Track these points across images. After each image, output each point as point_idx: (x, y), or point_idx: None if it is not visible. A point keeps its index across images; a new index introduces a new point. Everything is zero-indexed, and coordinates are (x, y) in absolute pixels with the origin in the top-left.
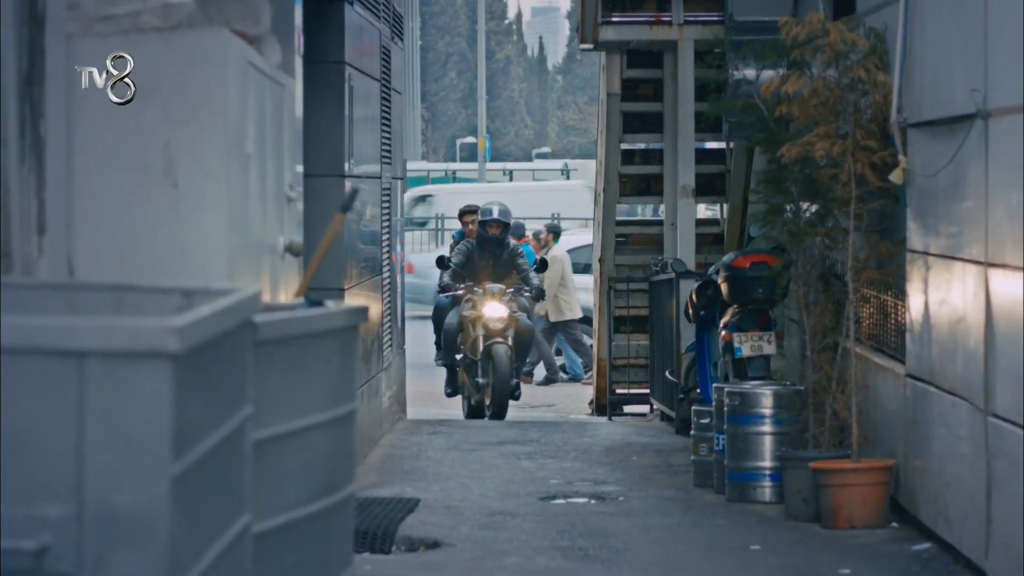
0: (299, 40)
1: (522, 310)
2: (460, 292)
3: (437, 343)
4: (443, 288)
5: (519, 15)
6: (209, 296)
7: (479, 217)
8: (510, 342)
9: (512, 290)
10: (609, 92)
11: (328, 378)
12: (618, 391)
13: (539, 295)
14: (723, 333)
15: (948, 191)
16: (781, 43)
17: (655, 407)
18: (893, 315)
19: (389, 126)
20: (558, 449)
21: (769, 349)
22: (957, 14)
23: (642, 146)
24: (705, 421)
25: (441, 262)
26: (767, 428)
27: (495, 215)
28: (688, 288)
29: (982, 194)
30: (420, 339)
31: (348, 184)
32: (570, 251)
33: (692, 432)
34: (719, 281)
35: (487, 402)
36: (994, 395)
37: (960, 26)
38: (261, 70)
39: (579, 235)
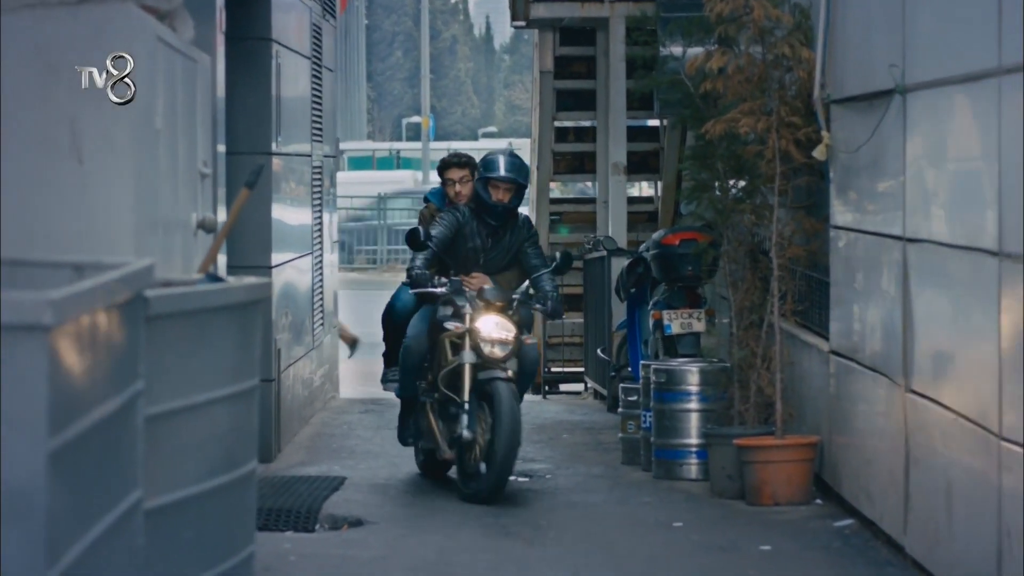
0: (221, 17)
1: (523, 327)
2: (438, 291)
3: (387, 356)
4: (413, 280)
5: None
6: (101, 270)
7: (479, 172)
8: (512, 376)
9: (518, 296)
10: (542, 70)
11: (227, 354)
12: (553, 370)
13: (555, 312)
14: (653, 311)
15: (869, 167)
16: (707, 20)
17: (589, 385)
18: (818, 292)
19: (320, 104)
20: None
21: (699, 326)
22: None
23: (576, 124)
24: (633, 399)
25: (414, 239)
26: (693, 405)
27: (505, 171)
28: (620, 266)
29: (900, 170)
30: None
31: (277, 162)
32: None
33: (620, 410)
34: (649, 259)
35: (474, 462)
36: (912, 371)
37: (880, 2)
38: (172, 46)
39: None
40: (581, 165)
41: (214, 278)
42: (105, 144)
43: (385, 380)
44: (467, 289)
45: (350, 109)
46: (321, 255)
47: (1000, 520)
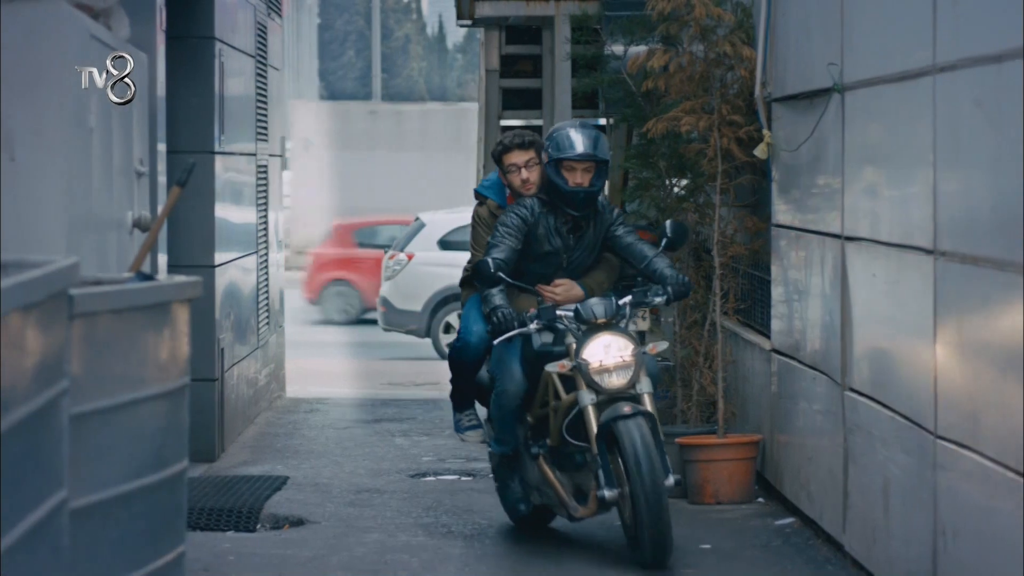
0: (161, 15)
1: (642, 335)
2: (530, 330)
3: (456, 398)
4: (496, 326)
5: None
6: (23, 268)
7: (547, 153)
8: (648, 405)
9: (630, 298)
10: (487, 68)
11: (156, 352)
12: None
13: (681, 294)
14: None
15: (809, 165)
16: (648, 18)
17: None
18: (760, 290)
19: (266, 103)
20: (434, 427)
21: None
22: None
23: (522, 123)
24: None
25: (486, 272)
26: None
27: (582, 147)
28: None
29: (839, 168)
30: (302, 314)
31: (220, 161)
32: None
33: None
34: None
35: (629, 520)
36: (850, 369)
37: (819, 1)
38: (106, 43)
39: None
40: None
41: (144, 276)
42: (37, 142)
43: (461, 428)
44: (562, 313)
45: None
46: (267, 254)
47: (936, 518)
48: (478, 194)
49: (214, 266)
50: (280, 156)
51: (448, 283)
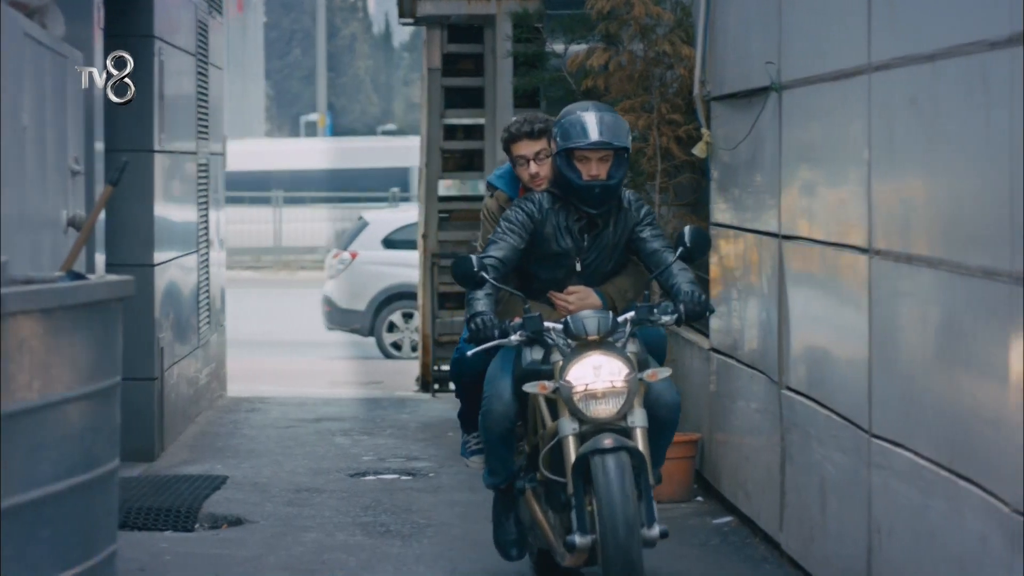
0: (99, 13)
1: (643, 358)
2: (511, 341)
3: (464, 418)
4: (472, 332)
5: None
6: None
7: (556, 142)
8: (639, 441)
9: (632, 314)
10: (430, 67)
11: (87, 351)
12: (443, 368)
13: (694, 315)
14: None
15: (747, 164)
16: (588, 16)
17: None
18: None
19: (207, 102)
20: (375, 426)
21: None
22: None
23: (467, 121)
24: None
25: (465, 273)
26: None
27: (596, 133)
28: None
29: (776, 167)
30: (244, 313)
31: (160, 160)
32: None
33: None
34: None
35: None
36: (787, 368)
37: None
38: (40, 42)
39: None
40: (470, 163)
41: (76, 275)
42: None
43: (467, 452)
44: (551, 326)
45: (248, 107)
46: (207, 253)
47: (870, 516)
48: (489, 184)
49: (153, 265)
50: (222, 155)
51: (392, 282)
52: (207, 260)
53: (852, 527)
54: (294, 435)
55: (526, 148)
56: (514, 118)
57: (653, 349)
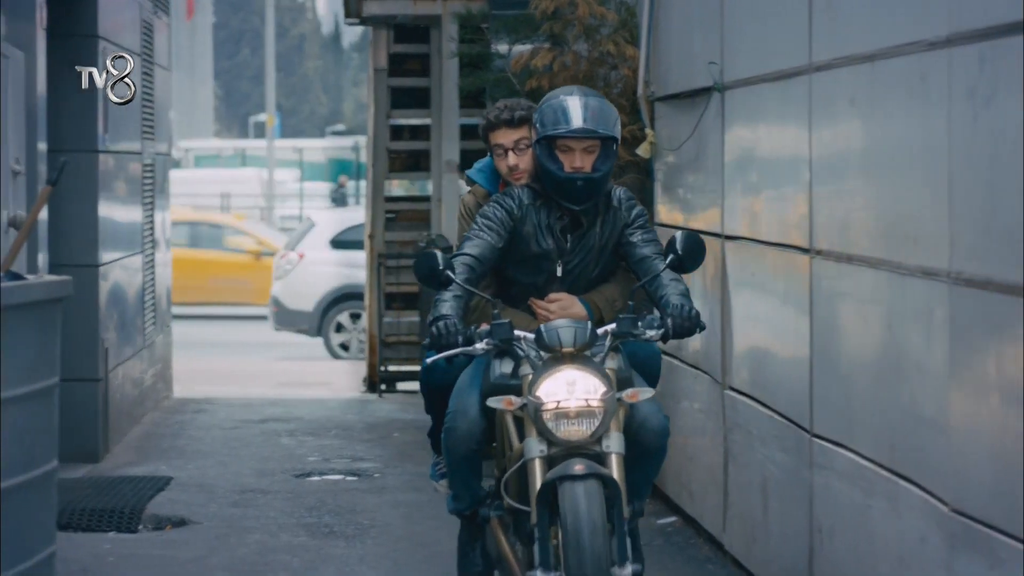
0: (42, 13)
1: (625, 375)
2: (475, 349)
3: (434, 437)
4: (432, 337)
5: None
6: None
7: (536, 129)
8: (614, 469)
9: (613, 326)
10: (376, 68)
11: (25, 352)
12: (390, 368)
13: (682, 331)
14: None
15: (690, 165)
16: (532, 17)
17: None
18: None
19: (152, 102)
20: (321, 426)
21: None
22: None
23: (413, 121)
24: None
25: (428, 271)
26: None
27: (579, 120)
28: None
29: (719, 167)
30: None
31: (104, 160)
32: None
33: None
34: None
35: None
36: (730, 368)
37: (700, 0)
38: None
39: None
40: (417, 163)
41: (14, 276)
42: None
43: (436, 474)
44: (522, 335)
45: (197, 107)
46: (153, 254)
47: (812, 517)
48: (469, 179)
49: (98, 265)
50: (168, 155)
51: (340, 283)
52: (152, 260)
53: (794, 527)
54: (240, 436)
55: (504, 136)
56: (496, 104)
57: (643, 367)
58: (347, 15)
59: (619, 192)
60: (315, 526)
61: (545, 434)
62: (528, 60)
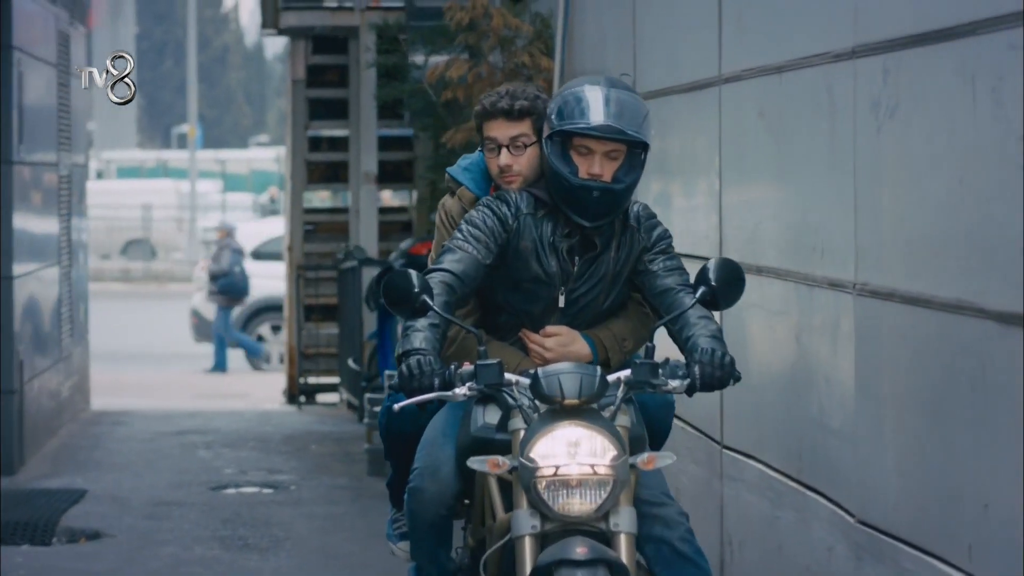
0: None
1: (639, 436)
2: (456, 394)
3: (394, 489)
4: (401, 378)
5: (237, 5)
6: None
7: (549, 123)
8: (623, 552)
9: (627, 373)
10: (294, 79)
11: None
12: (309, 380)
13: (712, 383)
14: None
15: None
16: (447, 28)
17: (343, 396)
18: None
19: (68, 113)
20: (239, 438)
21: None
22: None
23: (332, 133)
24: (378, 409)
25: (401, 292)
26: None
27: (601, 115)
28: (371, 276)
29: None
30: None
31: (19, 170)
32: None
33: (366, 420)
34: (397, 268)
35: None
36: None
37: (614, 10)
38: None
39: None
40: (335, 174)
41: None
42: None
43: (393, 535)
44: (514, 379)
45: (120, 118)
46: (70, 265)
47: (723, 528)
48: (450, 179)
49: (12, 277)
50: (85, 166)
51: (260, 294)
52: (69, 272)
53: (705, 539)
54: (156, 448)
55: (499, 130)
56: (497, 88)
57: (652, 421)
58: (264, 26)
59: (637, 208)
60: (229, 539)
61: (539, 506)
62: (443, 71)
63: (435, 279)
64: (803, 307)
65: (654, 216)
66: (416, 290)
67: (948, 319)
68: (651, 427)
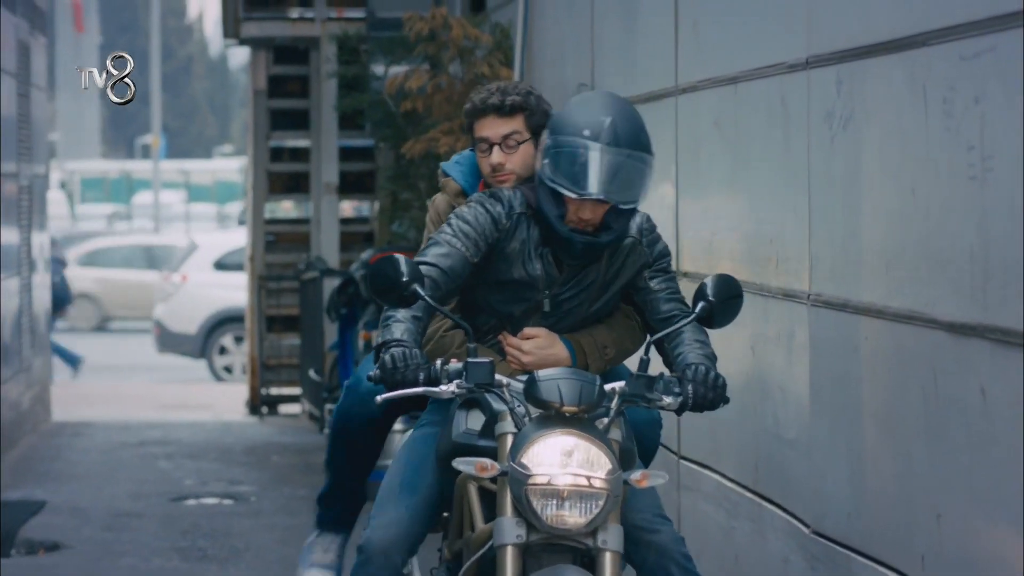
0: None
1: (631, 450)
2: (442, 391)
3: (327, 498)
4: (383, 370)
5: (201, 15)
6: None
7: (547, 143)
8: (608, 572)
9: (622, 384)
10: (255, 89)
11: None
12: (272, 391)
13: (703, 404)
14: (363, 331)
15: None
16: (407, 39)
17: (305, 407)
18: None
19: (29, 123)
20: (200, 449)
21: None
22: (570, 10)
23: (293, 143)
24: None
25: (389, 279)
26: (399, 425)
27: (598, 186)
28: (332, 286)
29: None
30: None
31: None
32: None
33: (326, 431)
34: (358, 279)
35: None
36: None
37: (572, 21)
38: None
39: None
40: (296, 185)
41: None
42: None
43: (307, 561)
44: (505, 380)
45: (83, 128)
46: (30, 276)
47: None
48: (443, 172)
49: None
50: (45, 176)
51: (223, 305)
52: (30, 283)
53: None
54: (116, 459)
55: (491, 128)
56: (487, 85)
57: (640, 440)
58: (225, 35)
59: (640, 220)
60: (188, 550)
61: (527, 515)
62: (403, 82)
63: (421, 272)
64: (758, 317)
65: (655, 229)
66: (405, 278)
67: (900, 329)
68: (639, 445)
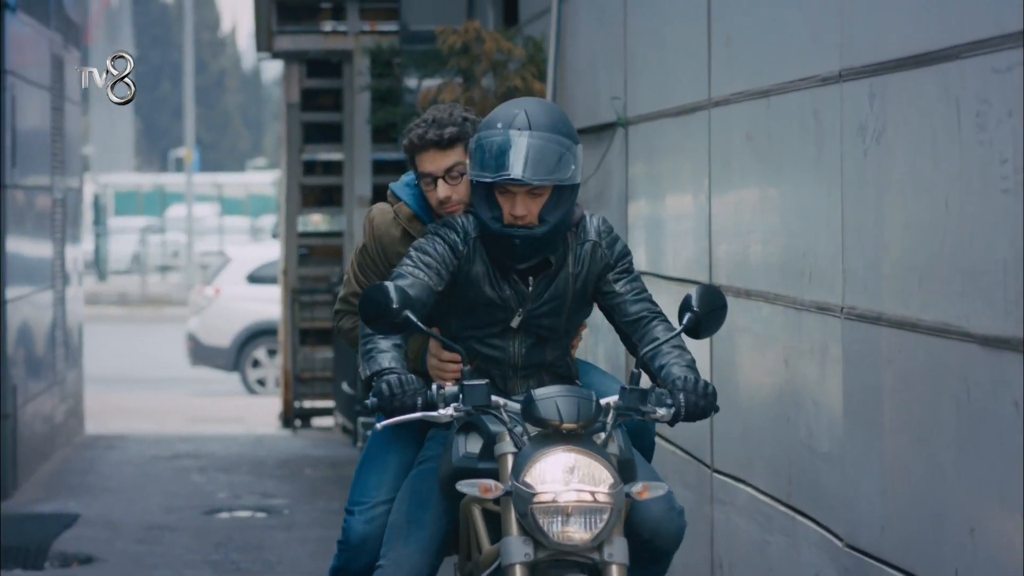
0: None
1: (629, 462)
2: (440, 415)
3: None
4: (380, 398)
5: (234, 28)
6: None
7: (470, 161)
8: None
9: (615, 399)
10: (288, 102)
11: None
12: (305, 404)
13: (695, 412)
14: None
15: (596, 199)
16: (440, 52)
17: (339, 420)
18: None
19: (63, 136)
20: (232, 462)
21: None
22: (602, 23)
23: (326, 157)
24: (371, 432)
25: (379, 307)
26: None
27: (520, 170)
28: None
29: (623, 201)
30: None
31: (12, 194)
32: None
33: (359, 444)
34: None
35: None
36: None
37: (604, 35)
38: None
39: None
40: (329, 198)
41: None
42: None
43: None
44: (501, 401)
45: (117, 141)
46: (64, 289)
47: (712, 552)
48: (391, 193)
49: (6, 301)
50: (79, 190)
51: (256, 318)
52: (64, 296)
53: (695, 562)
54: (150, 472)
55: (433, 162)
56: (422, 117)
57: (637, 439)
58: (259, 49)
59: (597, 222)
60: (221, 563)
61: (534, 533)
62: (436, 95)
63: (412, 311)
64: (791, 331)
65: (613, 230)
66: (395, 305)
67: (934, 342)
68: (636, 444)
